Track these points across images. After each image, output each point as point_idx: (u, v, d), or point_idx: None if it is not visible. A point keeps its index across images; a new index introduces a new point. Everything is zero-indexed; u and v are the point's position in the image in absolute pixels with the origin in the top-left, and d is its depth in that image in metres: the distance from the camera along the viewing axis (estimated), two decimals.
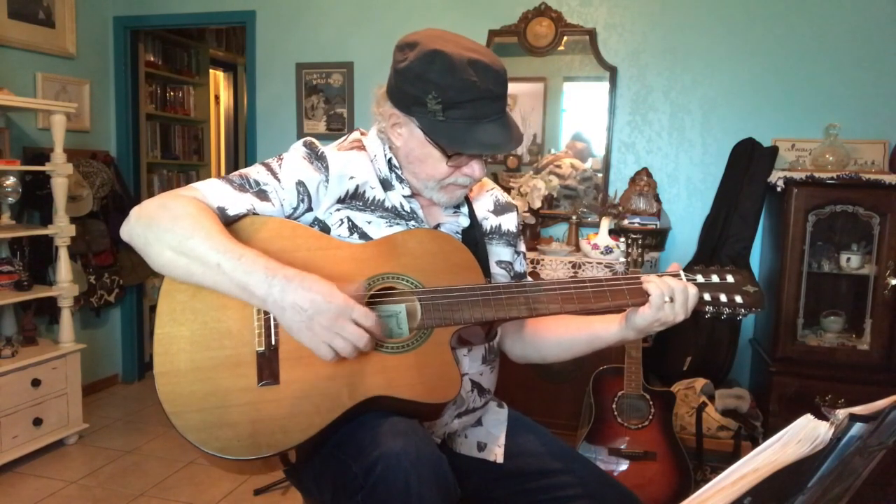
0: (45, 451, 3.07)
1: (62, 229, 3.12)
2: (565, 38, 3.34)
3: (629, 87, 3.31)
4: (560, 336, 1.36)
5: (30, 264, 3.29)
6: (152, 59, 4.42)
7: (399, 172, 1.28)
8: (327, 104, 3.72)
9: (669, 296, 1.15)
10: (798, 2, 3.09)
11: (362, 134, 1.34)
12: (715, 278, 1.22)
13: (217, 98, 5.77)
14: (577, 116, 3.45)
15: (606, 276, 1.22)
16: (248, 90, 3.97)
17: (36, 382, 3.00)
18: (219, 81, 5.79)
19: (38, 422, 3.00)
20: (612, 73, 3.29)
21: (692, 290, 1.17)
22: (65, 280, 3.17)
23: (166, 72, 4.56)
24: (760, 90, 3.16)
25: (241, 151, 5.74)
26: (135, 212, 1.15)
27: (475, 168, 1.24)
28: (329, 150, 1.27)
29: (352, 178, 1.25)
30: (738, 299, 1.20)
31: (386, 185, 1.28)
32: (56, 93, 3.59)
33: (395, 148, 1.28)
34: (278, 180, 1.21)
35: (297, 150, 1.26)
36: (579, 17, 3.32)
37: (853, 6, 3.03)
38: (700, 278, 1.22)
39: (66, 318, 3.21)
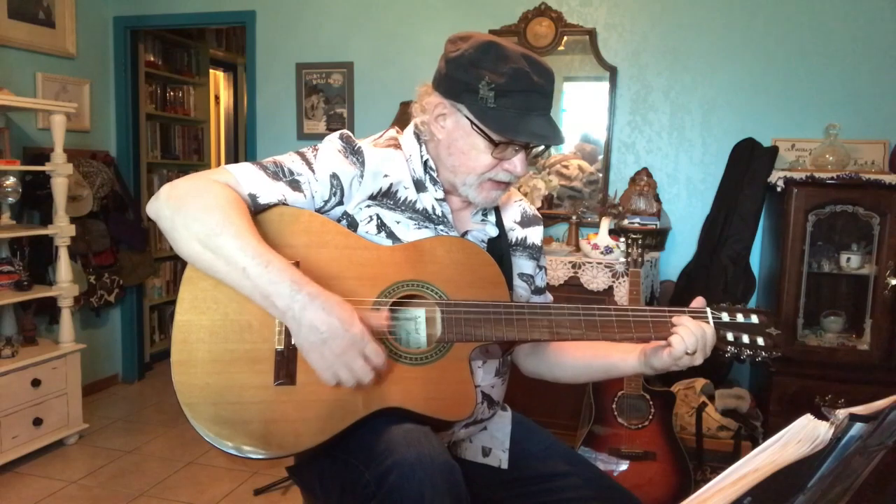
0: (45, 451, 3.07)
1: (62, 229, 3.12)
2: (565, 38, 3.34)
3: (629, 87, 3.31)
4: (577, 360, 1.35)
5: (30, 264, 3.28)
6: (152, 59, 4.42)
7: (434, 174, 1.27)
8: (327, 104, 3.72)
9: (692, 350, 1.14)
10: (798, 2, 3.09)
11: (398, 132, 1.32)
12: (740, 318, 1.21)
13: (217, 98, 5.77)
14: (578, 116, 3.45)
15: (632, 307, 1.21)
16: (248, 90, 3.97)
17: (36, 382, 2.99)
18: (219, 81, 5.79)
19: (38, 422, 3.00)
20: (612, 73, 3.29)
21: (711, 339, 1.16)
22: (65, 280, 3.17)
23: (166, 72, 4.56)
24: (760, 90, 3.16)
25: (241, 151, 5.73)
26: (165, 190, 1.12)
27: (517, 164, 1.21)
28: (365, 145, 1.25)
29: (386, 176, 1.24)
30: (760, 341, 1.19)
31: (419, 187, 1.26)
32: (56, 93, 3.58)
33: (434, 142, 1.26)
34: (312, 171, 1.19)
35: (333, 142, 1.23)
36: (579, 17, 3.32)
37: (853, 6, 3.03)
38: (725, 317, 1.20)
39: (66, 318, 3.21)
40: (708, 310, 1.21)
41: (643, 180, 3.25)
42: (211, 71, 5.21)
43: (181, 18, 3.94)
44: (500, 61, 1.15)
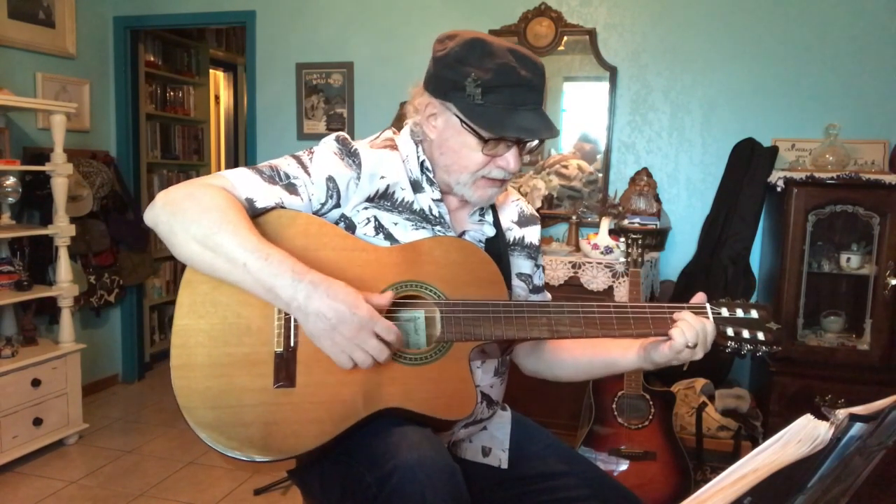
0: (45, 451, 3.07)
1: (62, 229, 3.12)
2: (565, 38, 3.34)
3: (629, 87, 3.31)
4: (577, 357, 1.34)
5: (30, 264, 3.28)
6: (152, 59, 4.42)
7: (430, 175, 1.26)
8: (327, 104, 3.72)
9: (693, 343, 1.13)
10: (798, 2, 3.09)
11: (395, 133, 1.32)
12: (740, 313, 1.20)
13: (217, 98, 5.77)
14: (578, 116, 3.45)
15: (631, 303, 1.21)
16: (248, 90, 3.97)
17: (36, 382, 2.99)
18: (219, 81, 5.78)
19: (38, 422, 3.00)
20: (612, 73, 3.29)
21: (711, 333, 1.15)
22: (65, 280, 3.17)
23: (166, 72, 4.56)
24: (760, 90, 3.16)
25: (241, 151, 5.73)
26: (161, 197, 1.12)
27: (510, 160, 1.21)
28: (362, 147, 1.25)
29: (383, 177, 1.23)
30: (761, 336, 1.18)
31: (416, 188, 1.26)
32: (56, 93, 3.58)
33: (428, 142, 1.26)
34: (308, 174, 1.19)
35: (329, 144, 1.23)
36: (579, 17, 3.32)
37: (853, 7, 3.02)
38: (725, 312, 1.20)
39: (66, 318, 3.21)
40: (707, 305, 1.20)
41: (643, 180, 3.25)
42: (211, 71, 5.21)
43: (181, 18, 3.94)
44: (485, 57, 1.14)
